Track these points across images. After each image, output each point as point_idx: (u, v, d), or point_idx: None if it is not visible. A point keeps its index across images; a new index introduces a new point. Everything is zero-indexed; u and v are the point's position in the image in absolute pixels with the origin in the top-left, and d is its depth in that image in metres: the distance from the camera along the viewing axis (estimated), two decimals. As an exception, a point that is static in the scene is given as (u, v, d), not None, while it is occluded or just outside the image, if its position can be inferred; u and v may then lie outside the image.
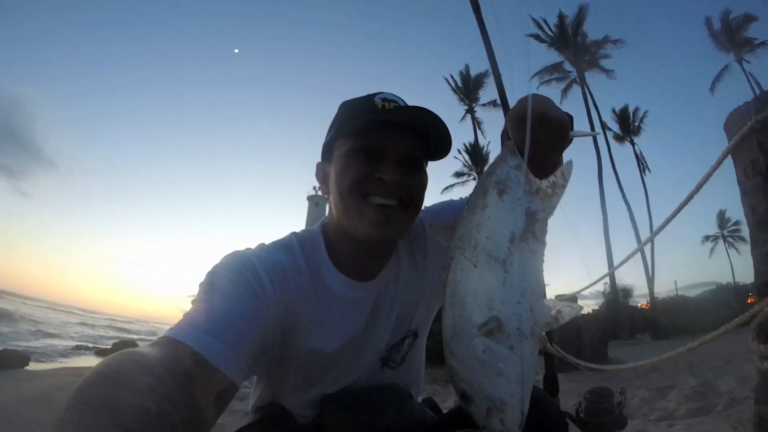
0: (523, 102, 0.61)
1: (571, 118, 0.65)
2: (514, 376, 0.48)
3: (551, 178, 0.59)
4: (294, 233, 0.83)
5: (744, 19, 26.88)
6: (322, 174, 0.84)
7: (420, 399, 0.99)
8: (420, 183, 0.78)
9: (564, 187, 0.60)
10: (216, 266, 0.71)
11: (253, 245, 0.79)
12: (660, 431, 2.03)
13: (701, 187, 1.30)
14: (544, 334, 0.54)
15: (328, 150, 0.81)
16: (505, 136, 0.64)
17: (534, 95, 0.63)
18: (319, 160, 0.85)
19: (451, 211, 0.92)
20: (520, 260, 0.52)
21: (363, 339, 0.82)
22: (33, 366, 6.18)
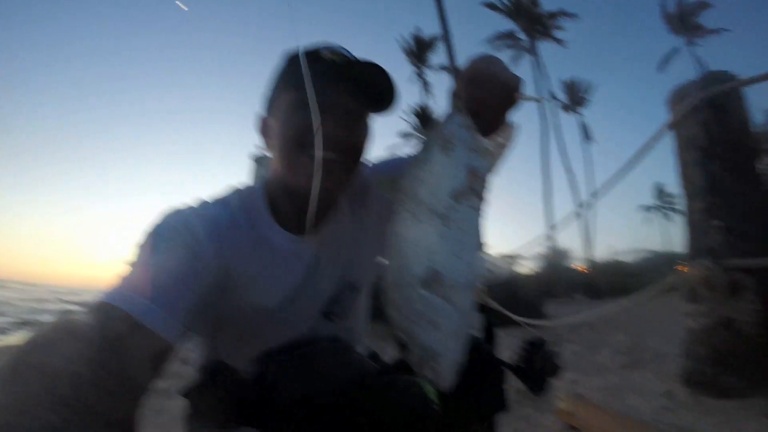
0: (475, 62, 0.62)
1: (521, 81, 0.65)
2: (448, 328, 0.51)
3: (496, 139, 0.60)
4: (235, 188, 0.82)
5: (698, 6, 28.21)
6: (263, 126, 0.82)
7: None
8: (364, 137, 0.78)
9: (508, 148, 0.61)
10: (153, 225, 0.69)
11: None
12: (592, 382, 2.21)
13: (642, 155, 1.38)
14: (482, 288, 0.57)
15: (270, 102, 0.80)
16: (453, 95, 0.64)
17: (486, 56, 0.64)
18: (262, 112, 0.83)
19: (397, 166, 0.93)
20: (460, 215, 0.54)
21: (303, 293, 0.83)
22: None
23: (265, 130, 0.82)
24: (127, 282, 0.59)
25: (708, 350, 1.35)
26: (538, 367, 0.90)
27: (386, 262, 0.55)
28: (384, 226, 0.84)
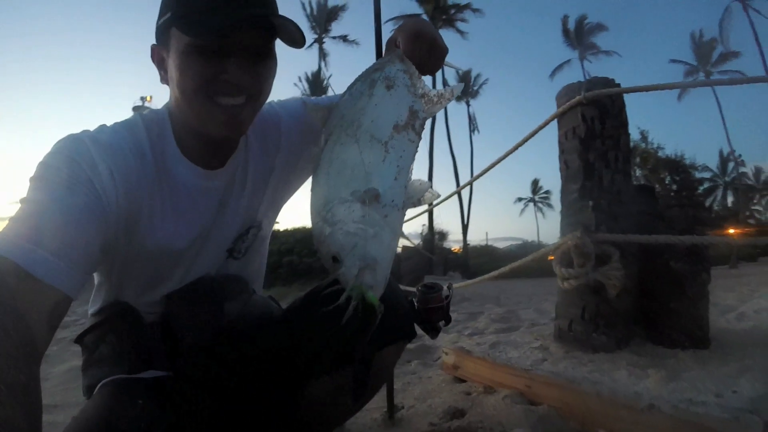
0: (419, 22, 0.71)
1: (447, 50, 0.74)
2: (386, 240, 0.54)
3: (440, 90, 0.68)
4: (139, 113, 0.74)
5: (596, 27, 31.96)
6: (158, 58, 0.72)
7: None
8: (269, 73, 0.72)
9: (449, 101, 0.69)
10: (47, 156, 0.61)
11: None
12: (473, 341, 2.49)
13: (527, 140, 1.55)
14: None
15: (162, 34, 0.69)
16: (392, 44, 0.71)
17: (427, 22, 0.73)
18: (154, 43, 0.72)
19: (327, 100, 0.88)
20: (400, 145, 0.59)
21: (211, 231, 0.79)
22: None
23: (159, 61, 0.72)
24: (16, 228, 0.53)
25: (578, 311, 1.54)
26: (433, 308, 0.98)
27: (318, 180, 0.58)
28: (295, 164, 0.84)
